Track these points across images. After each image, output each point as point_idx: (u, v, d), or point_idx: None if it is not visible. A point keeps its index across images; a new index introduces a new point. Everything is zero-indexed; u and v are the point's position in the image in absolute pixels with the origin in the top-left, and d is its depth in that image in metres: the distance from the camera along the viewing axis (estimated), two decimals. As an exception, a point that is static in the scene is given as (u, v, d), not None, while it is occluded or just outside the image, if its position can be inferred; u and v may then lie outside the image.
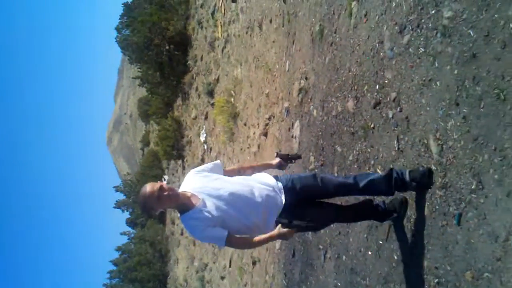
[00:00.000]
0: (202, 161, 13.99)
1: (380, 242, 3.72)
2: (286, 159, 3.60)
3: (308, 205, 3.25)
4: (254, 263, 8.16)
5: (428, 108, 3.15)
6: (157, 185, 2.98)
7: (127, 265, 23.19)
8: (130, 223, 28.95)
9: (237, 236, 3.10)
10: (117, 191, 27.64)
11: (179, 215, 3.15)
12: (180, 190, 3.13)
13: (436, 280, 2.92)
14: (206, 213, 2.99)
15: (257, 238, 3.08)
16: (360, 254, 4.08)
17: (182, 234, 17.19)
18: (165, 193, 2.95)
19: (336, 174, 4.72)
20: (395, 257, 3.48)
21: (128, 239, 28.00)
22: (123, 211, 28.17)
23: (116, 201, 28.07)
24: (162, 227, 22.37)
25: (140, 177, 24.47)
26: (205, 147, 13.73)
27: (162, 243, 21.36)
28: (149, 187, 2.99)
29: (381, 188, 3.23)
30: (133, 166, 36.42)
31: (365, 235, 3.99)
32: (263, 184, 3.20)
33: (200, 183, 3.12)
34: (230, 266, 10.14)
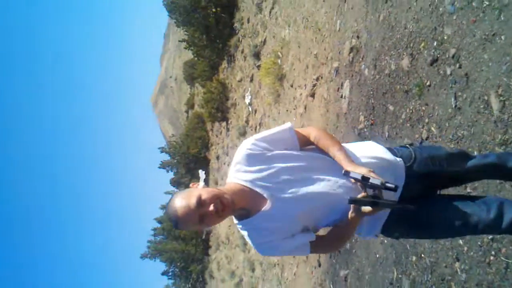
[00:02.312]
0: (247, 123, 14.06)
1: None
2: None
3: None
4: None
5: (490, 64, 3.06)
6: (193, 198, 1.87)
7: (171, 224, 23.82)
8: (174, 182, 29.53)
9: (321, 236, 2.12)
10: (162, 152, 28.12)
11: (234, 220, 2.12)
12: (232, 179, 2.04)
13: None
14: (277, 222, 1.99)
15: (343, 227, 2.04)
16: None
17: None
18: (211, 210, 1.87)
19: (387, 133, 4.68)
20: None
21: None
22: (167, 171, 28.66)
23: (161, 161, 28.61)
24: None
25: (185, 138, 24.81)
26: (250, 109, 13.76)
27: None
28: (181, 203, 1.89)
29: None
30: (178, 128, 36.94)
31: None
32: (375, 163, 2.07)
33: (266, 172, 1.98)
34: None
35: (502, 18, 2.94)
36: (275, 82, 10.21)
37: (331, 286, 6.13)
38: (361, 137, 5.37)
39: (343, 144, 2.09)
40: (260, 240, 2.04)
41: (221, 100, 17.93)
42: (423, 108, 3.94)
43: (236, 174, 2.02)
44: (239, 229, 2.09)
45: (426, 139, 3.86)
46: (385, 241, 4.57)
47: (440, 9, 3.74)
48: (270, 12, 11.85)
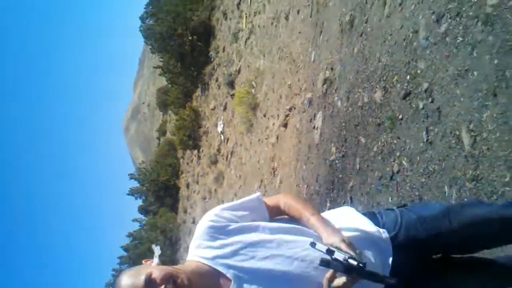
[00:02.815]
0: (218, 152, 13.98)
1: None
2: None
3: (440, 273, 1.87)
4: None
5: (462, 99, 3.07)
6: (141, 276, 1.58)
7: (138, 251, 23.36)
8: (142, 210, 29.09)
9: None
10: (131, 178, 27.76)
11: None
12: (192, 256, 1.75)
13: None
14: None
15: None
16: None
17: (193, 222, 17.23)
18: None
19: (358, 166, 4.65)
20: None
21: (140, 225, 28.20)
22: (136, 198, 28.28)
23: (130, 188, 28.24)
24: (174, 215, 22.44)
25: (155, 165, 24.54)
26: (222, 137, 13.71)
27: (173, 231, 21.43)
28: (127, 282, 1.60)
29: None
30: (148, 155, 36.60)
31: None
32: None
33: (229, 248, 1.70)
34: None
35: (475, 54, 2.96)
36: (248, 112, 10.21)
37: None
38: (332, 168, 5.33)
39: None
40: None
41: (193, 127, 17.86)
42: (395, 141, 3.93)
43: (196, 251, 1.72)
44: None
45: (397, 173, 3.84)
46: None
47: (414, 43, 3.77)
48: (245, 42, 11.95)
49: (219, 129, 14.00)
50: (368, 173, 4.41)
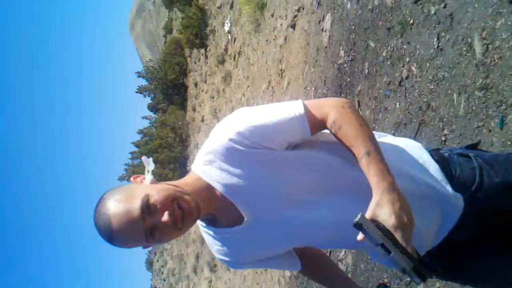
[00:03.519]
0: (226, 51, 13.79)
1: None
2: None
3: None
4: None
5: (476, 5, 2.97)
6: (135, 201, 1.23)
7: (149, 147, 23.86)
8: (152, 108, 29.31)
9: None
10: (139, 76, 27.66)
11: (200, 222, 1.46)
12: (200, 171, 1.35)
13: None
14: (254, 247, 1.44)
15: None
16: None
17: (202, 120, 17.45)
18: (164, 220, 1.24)
19: (366, 71, 4.62)
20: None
21: (150, 123, 28.60)
22: (144, 96, 28.36)
23: (138, 86, 28.18)
24: (183, 113, 22.64)
25: (162, 63, 24.32)
26: (229, 37, 13.44)
27: (183, 128, 21.76)
28: (117, 208, 1.22)
29: None
30: (155, 53, 36.08)
31: (392, 132, 3.96)
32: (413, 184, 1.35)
33: (250, 181, 1.30)
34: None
35: (492, -43, 2.83)
36: (256, 11, 9.92)
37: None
38: (340, 72, 5.30)
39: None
40: (230, 258, 1.48)
41: (199, 26, 17.45)
42: (405, 46, 3.86)
43: (207, 168, 1.32)
44: (202, 232, 1.49)
45: (406, 79, 3.82)
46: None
47: None
48: None
49: (226, 28, 13.68)
50: (377, 78, 4.39)
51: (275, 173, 1.30)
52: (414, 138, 3.56)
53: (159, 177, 22.33)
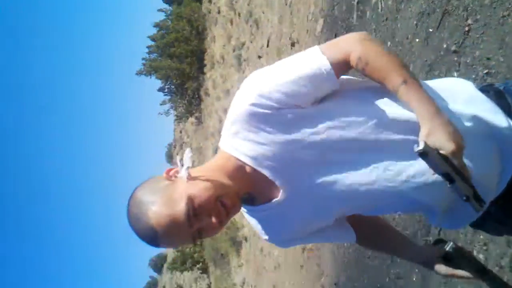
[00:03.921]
0: None
1: (430, 30, 3.66)
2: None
3: None
4: (292, 44, 8.22)
5: None
6: (179, 204, 1.17)
7: (165, 40, 23.56)
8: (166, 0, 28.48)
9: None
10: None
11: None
12: (227, 147, 1.26)
13: (486, 71, 2.94)
14: (295, 220, 1.33)
15: None
16: (407, 41, 4.05)
17: (219, 12, 17.07)
18: (213, 223, 1.20)
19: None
20: (444, 46, 3.45)
21: (165, 16, 27.98)
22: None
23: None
24: (199, 5, 22.07)
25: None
26: None
27: (199, 20, 21.32)
28: (161, 211, 1.17)
29: None
30: None
31: (415, 22, 3.90)
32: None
33: (279, 147, 1.19)
34: (268, 46, 10.27)
35: None
36: None
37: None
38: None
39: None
40: (275, 236, 1.40)
41: None
42: None
43: (233, 141, 1.24)
44: (244, 215, 1.40)
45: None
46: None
47: None
48: None
49: None
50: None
51: (310, 134, 1.18)
52: (437, 29, 3.51)
53: (177, 71, 22.24)
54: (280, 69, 1.21)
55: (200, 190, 1.17)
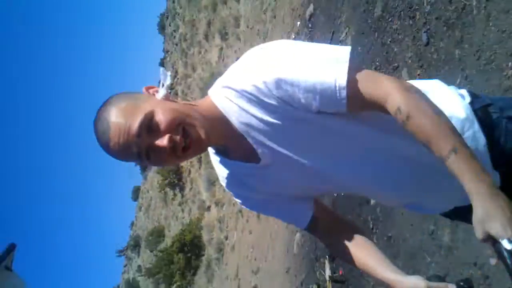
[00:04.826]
0: None
1: None
2: None
3: None
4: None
5: None
6: (137, 116, 1.09)
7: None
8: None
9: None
10: None
11: (211, 150, 1.31)
12: (218, 97, 1.18)
13: None
14: (267, 185, 1.28)
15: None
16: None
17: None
18: (163, 145, 1.09)
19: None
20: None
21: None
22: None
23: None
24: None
25: None
26: None
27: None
28: (116, 118, 1.09)
29: None
30: None
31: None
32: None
33: (272, 128, 1.14)
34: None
35: None
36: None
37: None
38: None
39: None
40: (238, 191, 1.35)
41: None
42: None
43: (226, 102, 1.15)
44: (211, 158, 1.32)
45: None
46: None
47: None
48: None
49: None
50: None
51: (296, 131, 1.14)
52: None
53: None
54: (300, 61, 1.08)
55: (166, 108, 1.11)
